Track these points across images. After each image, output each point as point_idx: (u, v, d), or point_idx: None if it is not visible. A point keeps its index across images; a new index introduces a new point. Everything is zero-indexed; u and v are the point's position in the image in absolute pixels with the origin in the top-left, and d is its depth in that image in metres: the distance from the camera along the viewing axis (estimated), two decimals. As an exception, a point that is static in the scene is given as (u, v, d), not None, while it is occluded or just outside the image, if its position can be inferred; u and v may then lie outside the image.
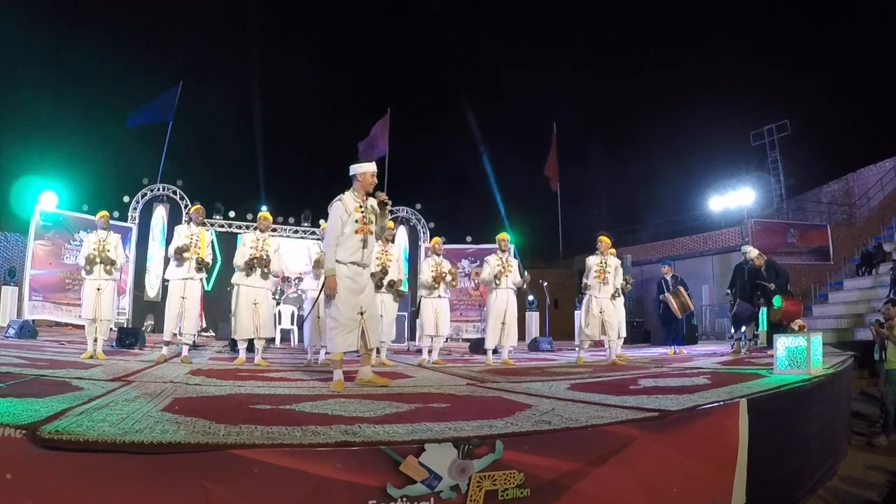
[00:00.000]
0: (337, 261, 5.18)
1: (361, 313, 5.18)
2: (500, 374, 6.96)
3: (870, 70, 23.08)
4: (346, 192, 5.35)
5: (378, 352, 8.18)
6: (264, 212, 8.35)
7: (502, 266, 8.91)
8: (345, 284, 5.14)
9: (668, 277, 12.09)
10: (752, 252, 10.48)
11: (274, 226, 18.95)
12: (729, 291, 11.30)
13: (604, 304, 9.33)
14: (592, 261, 9.52)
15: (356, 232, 5.20)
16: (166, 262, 8.04)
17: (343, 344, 5.13)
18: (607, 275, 9.37)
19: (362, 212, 5.25)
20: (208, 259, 7.97)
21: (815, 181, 22.76)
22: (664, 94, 25.72)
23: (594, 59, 28.27)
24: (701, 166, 23.96)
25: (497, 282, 8.86)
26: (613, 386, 5.38)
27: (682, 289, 11.60)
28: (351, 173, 5.43)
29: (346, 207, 5.21)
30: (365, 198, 5.36)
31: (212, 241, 8.34)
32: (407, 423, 3.18)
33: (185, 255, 7.79)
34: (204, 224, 8.28)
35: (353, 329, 5.14)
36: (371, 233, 5.32)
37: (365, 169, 5.39)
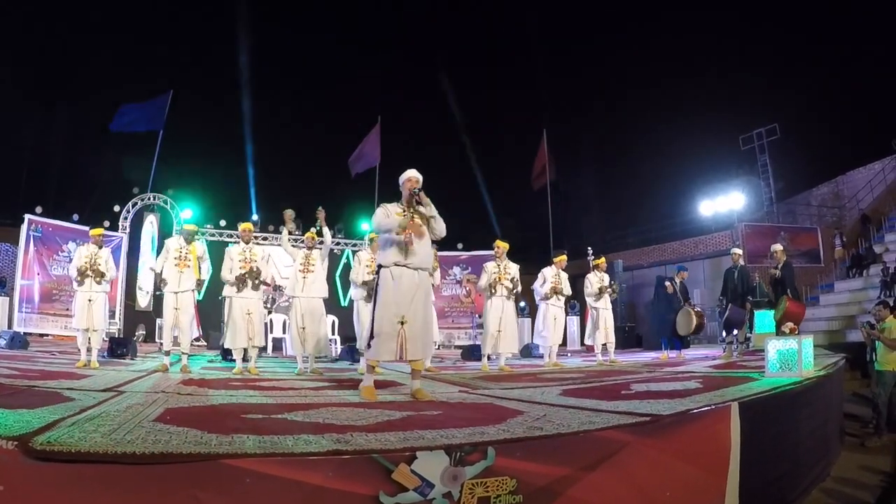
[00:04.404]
0: (381, 265, 5.14)
1: (402, 322, 4.90)
2: (492, 380, 6.97)
3: (857, 73, 23.25)
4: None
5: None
6: (245, 223, 8.34)
7: (499, 274, 8.94)
8: (387, 288, 5.04)
9: (679, 281, 11.84)
10: (778, 247, 10.57)
11: (266, 234, 19.13)
12: (721, 299, 11.33)
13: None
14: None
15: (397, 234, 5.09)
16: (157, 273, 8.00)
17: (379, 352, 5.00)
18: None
19: (404, 215, 5.12)
20: (201, 276, 8.08)
21: (805, 184, 22.87)
22: (654, 99, 25.84)
23: (585, 64, 28.39)
24: (691, 171, 24.04)
25: (493, 290, 8.90)
26: (605, 391, 5.40)
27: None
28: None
29: (386, 211, 5.15)
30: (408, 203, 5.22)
31: (206, 249, 8.28)
32: (399, 430, 3.18)
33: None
34: (194, 239, 8.22)
35: (393, 339, 4.91)
36: (418, 234, 5.10)
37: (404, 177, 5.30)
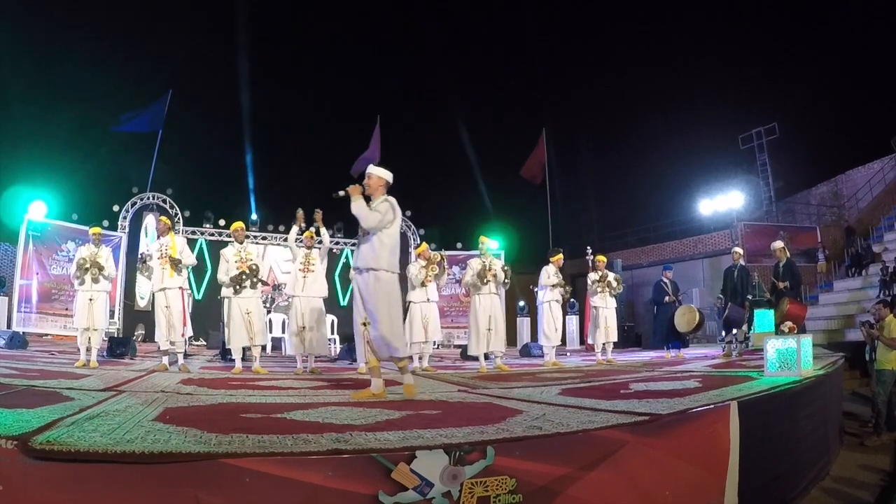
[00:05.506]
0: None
1: (364, 324, 4.93)
2: (492, 380, 6.96)
3: (857, 72, 23.26)
4: None
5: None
6: (236, 223, 8.32)
7: (485, 269, 8.87)
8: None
9: (668, 281, 11.93)
10: (778, 244, 10.55)
11: (265, 234, 19.13)
12: (720, 297, 11.33)
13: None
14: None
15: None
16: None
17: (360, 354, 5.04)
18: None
19: None
20: (178, 256, 7.86)
21: (804, 183, 22.90)
22: (653, 99, 25.86)
23: (583, 64, 28.39)
24: (690, 170, 24.08)
25: (483, 281, 8.83)
26: (604, 390, 5.40)
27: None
28: None
29: None
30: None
31: (186, 243, 8.18)
32: (398, 430, 3.18)
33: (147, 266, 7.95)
34: (169, 231, 8.13)
35: (360, 340, 4.96)
36: (364, 232, 5.04)
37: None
